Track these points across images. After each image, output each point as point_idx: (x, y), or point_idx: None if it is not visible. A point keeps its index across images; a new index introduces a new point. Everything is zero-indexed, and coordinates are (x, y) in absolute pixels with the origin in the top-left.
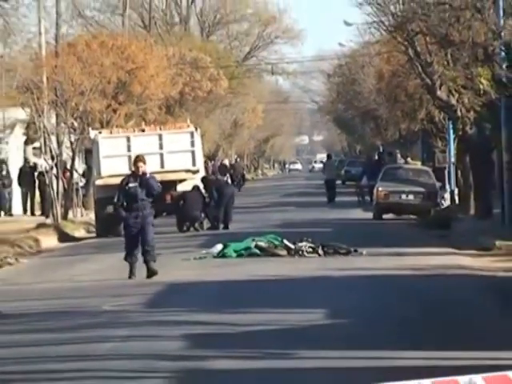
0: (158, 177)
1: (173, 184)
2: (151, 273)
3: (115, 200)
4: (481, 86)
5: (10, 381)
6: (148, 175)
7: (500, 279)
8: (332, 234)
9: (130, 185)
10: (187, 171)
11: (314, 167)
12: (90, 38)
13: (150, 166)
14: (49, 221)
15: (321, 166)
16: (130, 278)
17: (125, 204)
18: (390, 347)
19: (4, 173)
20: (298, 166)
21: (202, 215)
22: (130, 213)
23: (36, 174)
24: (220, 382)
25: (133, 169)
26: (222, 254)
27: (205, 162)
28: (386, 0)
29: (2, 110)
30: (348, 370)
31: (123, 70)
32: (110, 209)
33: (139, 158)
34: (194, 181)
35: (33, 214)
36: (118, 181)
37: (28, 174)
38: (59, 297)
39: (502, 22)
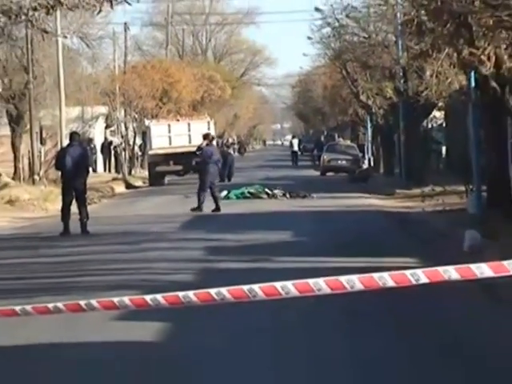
0: (188, 149)
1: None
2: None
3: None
4: (387, 94)
5: (93, 275)
6: (205, 146)
7: (398, 213)
8: (295, 185)
9: (197, 152)
10: None
11: (283, 143)
12: (145, 63)
13: (183, 142)
14: (119, 176)
15: (288, 143)
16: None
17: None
18: (330, 255)
19: (92, 146)
20: (278, 142)
21: None
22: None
23: (112, 147)
24: (226, 276)
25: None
26: (226, 197)
27: (216, 139)
28: (329, 40)
29: (91, 107)
30: (304, 270)
31: (166, 83)
32: (157, 168)
33: (204, 136)
34: None
35: (109, 171)
36: (163, 151)
37: (107, 147)
38: (126, 223)
39: (400, 53)
